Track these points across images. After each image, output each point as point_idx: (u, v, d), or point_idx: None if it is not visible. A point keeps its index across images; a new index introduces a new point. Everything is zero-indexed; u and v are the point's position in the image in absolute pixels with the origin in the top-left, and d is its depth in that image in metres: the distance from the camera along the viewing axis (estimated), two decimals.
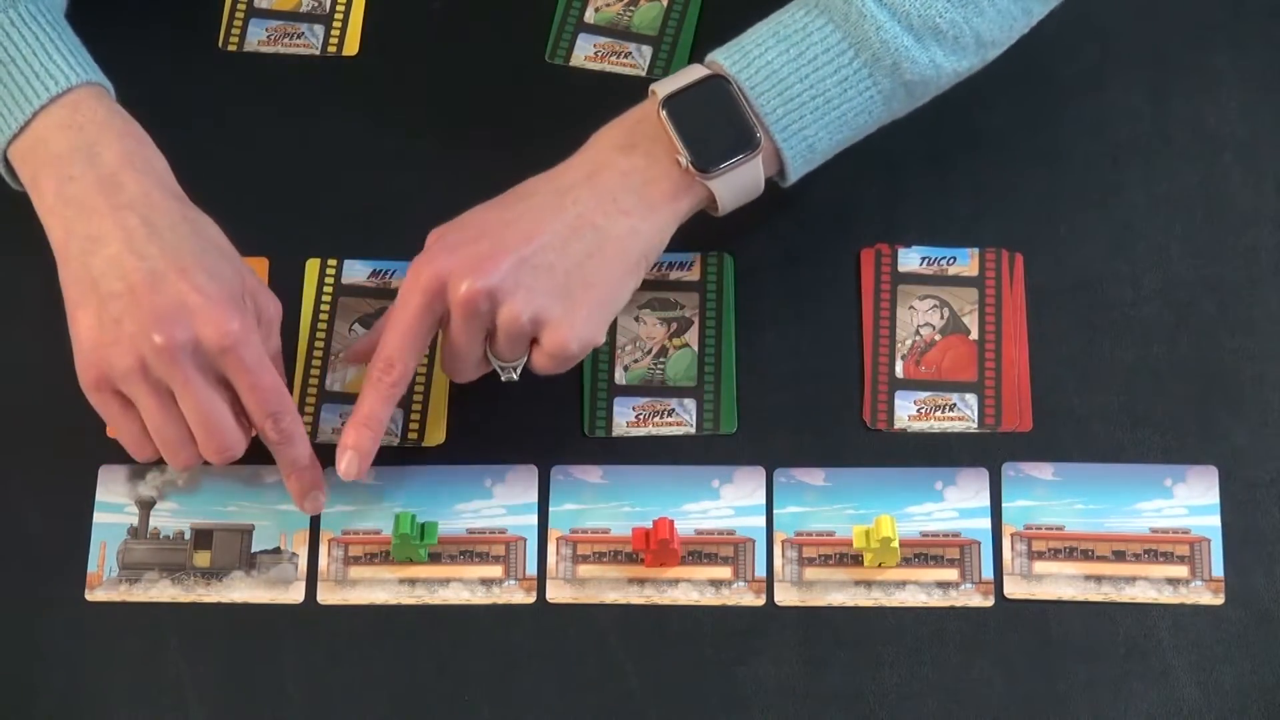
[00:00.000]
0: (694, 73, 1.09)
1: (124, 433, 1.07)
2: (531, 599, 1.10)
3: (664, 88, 1.08)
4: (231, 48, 1.24)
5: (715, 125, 1.07)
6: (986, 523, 1.10)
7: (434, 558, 1.11)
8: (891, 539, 1.08)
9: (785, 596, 1.10)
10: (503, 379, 1.08)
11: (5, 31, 1.08)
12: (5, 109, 1.07)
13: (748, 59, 1.08)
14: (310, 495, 1.09)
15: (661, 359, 1.15)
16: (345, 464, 1.07)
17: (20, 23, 1.08)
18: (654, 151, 1.07)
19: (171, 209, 1.06)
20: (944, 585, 1.09)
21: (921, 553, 1.10)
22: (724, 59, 1.08)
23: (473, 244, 1.05)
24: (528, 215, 1.06)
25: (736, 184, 1.08)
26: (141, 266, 1.03)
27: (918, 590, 1.09)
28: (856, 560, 1.10)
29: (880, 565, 1.10)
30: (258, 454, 1.08)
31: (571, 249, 1.06)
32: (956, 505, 1.10)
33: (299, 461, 1.08)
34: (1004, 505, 1.11)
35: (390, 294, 1.17)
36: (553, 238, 1.05)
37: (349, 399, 1.14)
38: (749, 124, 1.07)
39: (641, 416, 1.14)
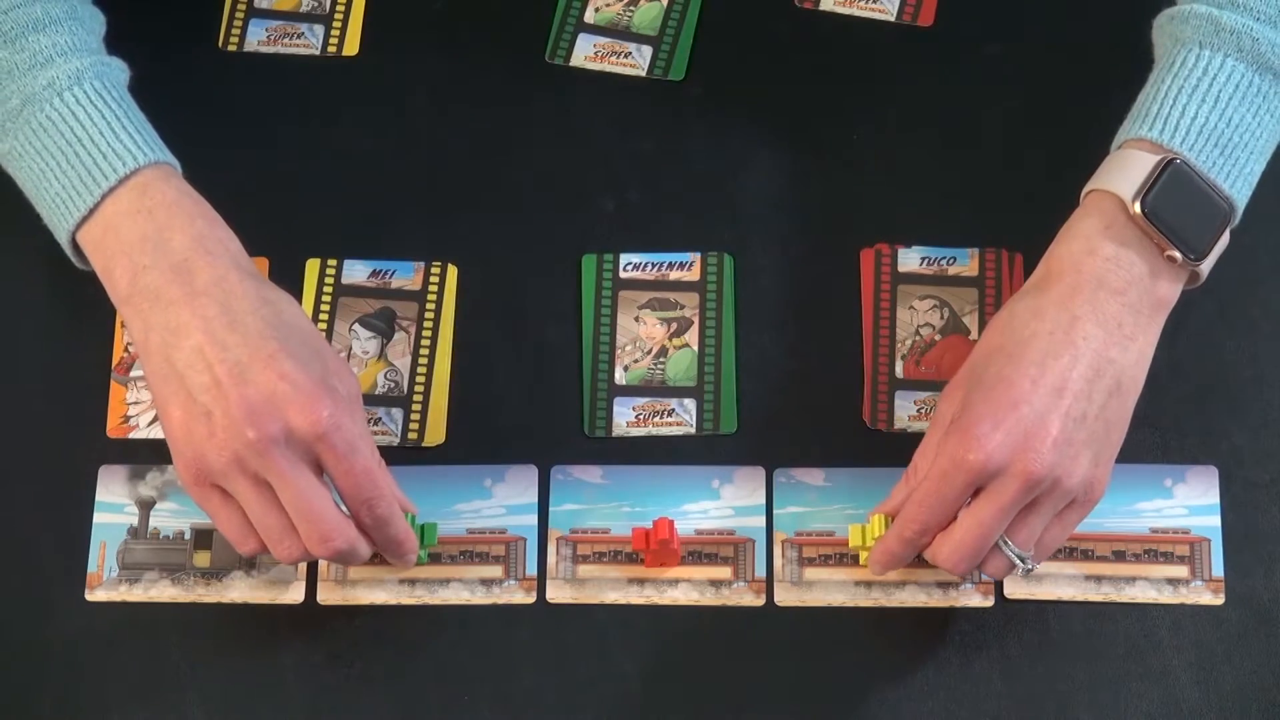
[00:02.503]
0: (1137, 161, 1.05)
1: (227, 526, 1.04)
2: (531, 599, 1.10)
3: (1121, 187, 1.04)
4: (231, 48, 1.24)
5: (1186, 207, 1.04)
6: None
7: (434, 558, 1.11)
8: None
9: (785, 596, 1.10)
10: (1020, 571, 1.04)
11: (72, 111, 1.06)
12: (74, 192, 1.05)
13: (1174, 125, 1.05)
14: (405, 558, 1.08)
15: (661, 359, 1.15)
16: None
17: (87, 102, 1.07)
18: (1140, 255, 1.04)
19: (249, 292, 1.04)
20: (944, 585, 1.09)
21: (921, 552, 1.10)
22: (1152, 134, 1.05)
23: (1011, 412, 1.01)
24: (1049, 366, 1.02)
25: (1217, 251, 1.06)
26: (226, 358, 1.02)
27: (918, 590, 1.09)
28: (856, 560, 1.10)
29: None
30: None
31: (1095, 394, 1.03)
32: None
33: (396, 538, 1.06)
34: None
35: (390, 294, 1.17)
36: (1081, 385, 1.02)
37: None
38: (1216, 192, 1.05)
39: (641, 416, 1.14)
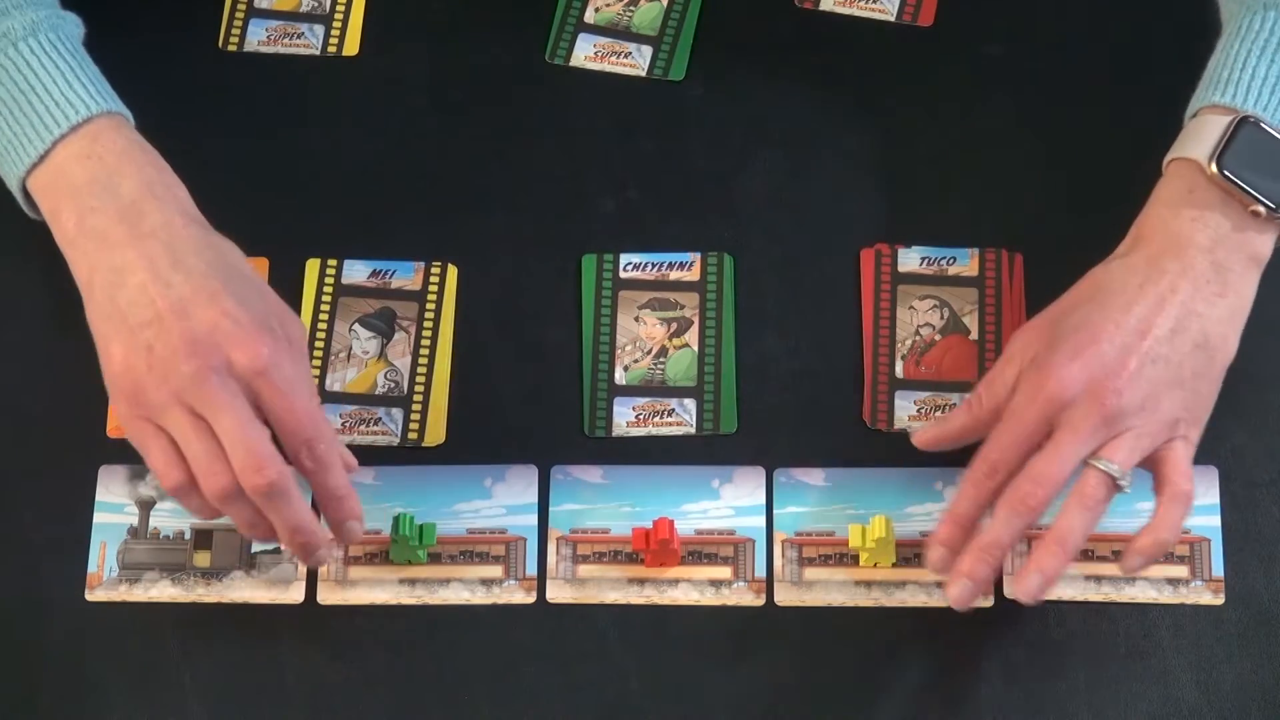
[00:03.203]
0: (1210, 125, 1.06)
1: (156, 457, 1.04)
2: (531, 599, 1.10)
3: (1196, 151, 1.06)
4: (231, 48, 1.24)
5: (1264, 162, 1.05)
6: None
7: (434, 558, 1.11)
8: (887, 539, 1.08)
9: (785, 596, 1.10)
10: (1124, 486, 1.03)
11: (26, 61, 1.08)
12: (25, 139, 1.07)
13: (1245, 88, 1.06)
14: (347, 525, 1.07)
15: (661, 359, 1.15)
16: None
17: (40, 52, 1.08)
18: (1226, 215, 1.05)
19: (194, 235, 1.05)
20: (944, 585, 1.09)
21: (921, 552, 1.10)
22: (1225, 99, 1.06)
23: (1091, 347, 1.03)
24: (1134, 311, 1.04)
25: None
26: (168, 294, 1.03)
27: (918, 590, 1.09)
28: (856, 560, 1.10)
29: (875, 565, 1.10)
30: None
31: (1178, 342, 1.04)
32: None
33: (337, 490, 1.06)
34: None
35: (390, 294, 1.17)
36: (1163, 332, 1.03)
37: (349, 399, 1.14)
38: None
39: (641, 416, 1.14)
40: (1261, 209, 1.05)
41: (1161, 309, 1.04)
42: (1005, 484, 1.04)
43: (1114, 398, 1.02)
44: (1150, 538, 1.04)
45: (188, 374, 1.02)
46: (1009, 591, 1.07)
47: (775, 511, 1.11)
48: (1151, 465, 1.05)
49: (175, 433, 1.03)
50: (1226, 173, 1.05)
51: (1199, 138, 1.07)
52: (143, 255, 1.04)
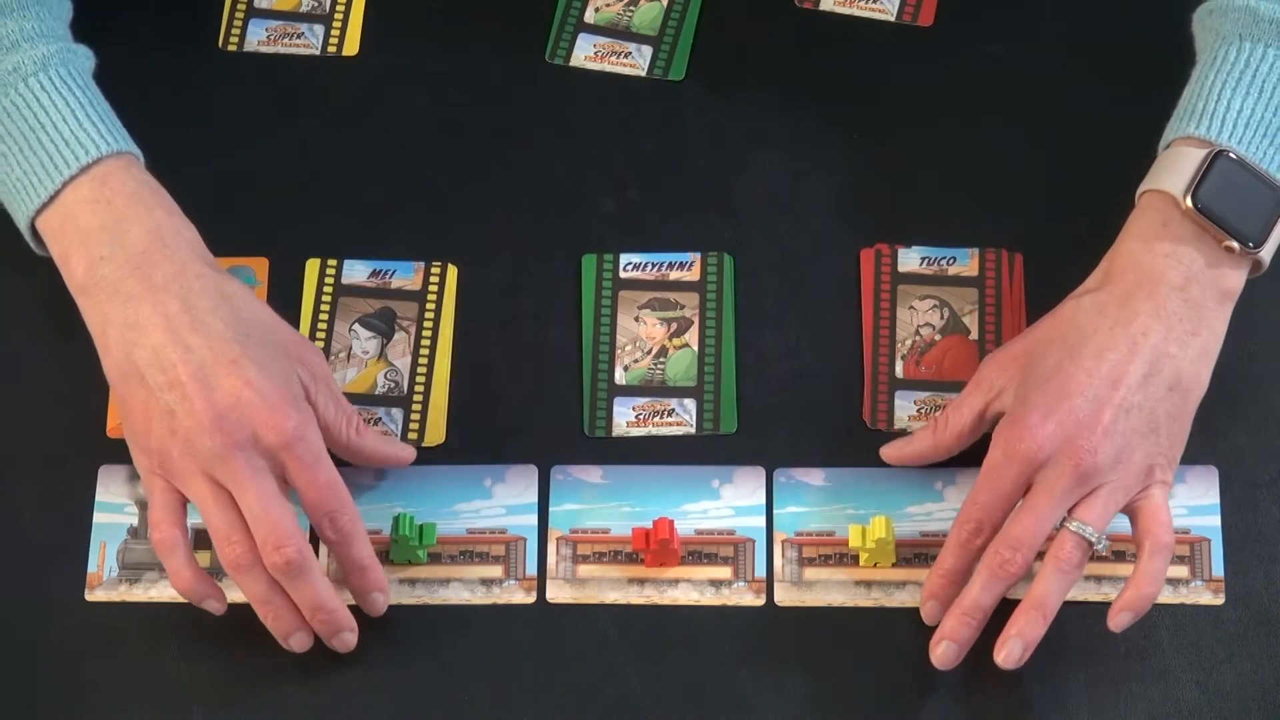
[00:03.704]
0: (1185, 157, 1.06)
1: (156, 510, 1.04)
2: (531, 599, 1.10)
3: (1171, 184, 1.06)
4: (231, 48, 1.24)
5: (1238, 197, 1.05)
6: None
7: (433, 558, 1.11)
8: (887, 539, 1.08)
9: (785, 596, 1.10)
10: (1099, 548, 1.04)
11: (36, 97, 1.07)
12: (35, 178, 1.06)
13: (1220, 120, 1.06)
14: (371, 595, 1.07)
15: (661, 359, 1.15)
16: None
17: (51, 88, 1.07)
18: (1199, 250, 1.05)
19: (208, 287, 1.04)
20: (929, 647, 1.09)
21: (921, 552, 1.10)
22: (1199, 131, 1.06)
23: (1064, 402, 1.03)
24: (1106, 358, 1.03)
25: (1276, 237, 1.07)
26: (189, 359, 1.02)
27: (918, 591, 1.09)
28: (856, 560, 1.10)
29: (876, 565, 1.10)
30: None
31: (1151, 388, 1.03)
32: (957, 505, 1.09)
33: (360, 561, 1.06)
34: None
35: (390, 294, 1.17)
36: (1136, 378, 1.03)
37: (349, 399, 1.13)
38: (1267, 181, 1.06)
39: (641, 416, 1.14)
40: (1235, 245, 1.05)
41: (1134, 354, 1.03)
42: (989, 540, 1.05)
43: (1088, 456, 1.02)
44: (1134, 592, 1.04)
45: (213, 449, 1.01)
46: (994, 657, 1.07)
47: (775, 511, 1.11)
48: (1130, 515, 1.05)
49: (196, 501, 1.04)
50: (1201, 208, 1.05)
51: (1174, 170, 1.06)
52: (158, 312, 1.03)
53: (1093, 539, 1.03)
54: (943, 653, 1.05)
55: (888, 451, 1.11)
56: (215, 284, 1.05)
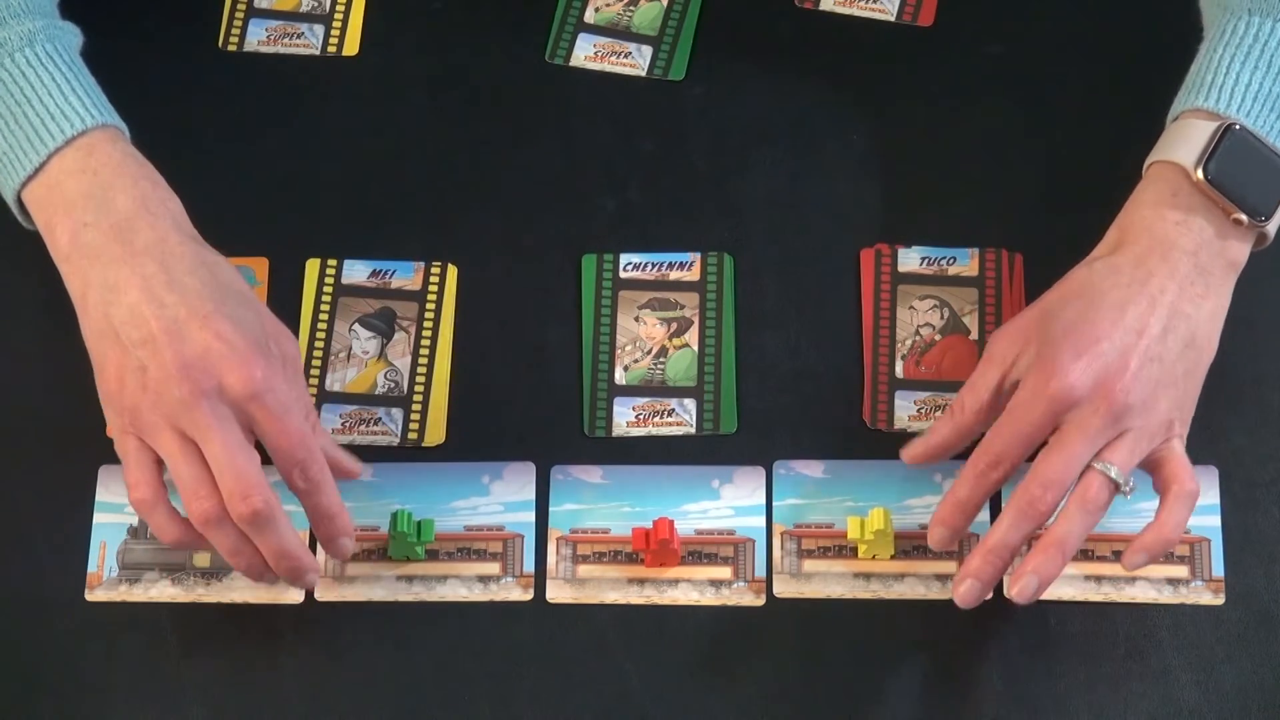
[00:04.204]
0: (1196, 129, 1.07)
1: (134, 470, 1.04)
2: (529, 596, 1.10)
3: (1182, 155, 1.06)
4: (231, 48, 1.24)
5: (1248, 171, 1.06)
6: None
7: (431, 555, 1.11)
8: (885, 531, 1.08)
9: (784, 588, 1.10)
10: (1124, 490, 1.04)
11: (22, 72, 1.08)
12: (21, 151, 1.07)
13: (1229, 93, 1.07)
14: (338, 541, 1.07)
15: (661, 359, 1.15)
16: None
17: (37, 63, 1.08)
18: (1209, 220, 1.06)
19: (188, 253, 1.05)
20: (943, 578, 1.09)
21: (920, 545, 1.10)
22: (1209, 103, 1.07)
23: (1093, 345, 1.03)
24: (1128, 310, 1.04)
25: None
26: (162, 314, 1.03)
27: (916, 583, 1.09)
28: (855, 553, 1.10)
29: (874, 557, 1.10)
30: None
31: (1170, 342, 1.04)
32: None
33: (329, 509, 1.06)
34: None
35: (390, 294, 1.17)
36: (1157, 330, 1.04)
37: (349, 399, 1.14)
38: (1274, 154, 1.06)
39: (641, 416, 1.14)
40: (1243, 218, 1.06)
41: (1153, 309, 1.04)
42: (1007, 476, 1.04)
43: (1122, 396, 1.03)
44: (1155, 535, 1.04)
45: (180, 398, 1.02)
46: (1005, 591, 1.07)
47: (774, 503, 1.11)
48: (1151, 466, 1.05)
49: (164, 455, 1.04)
50: (1212, 180, 1.05)
51: (1184, 142, 1.07)
52: (136, 273, 1.04)
53: (1119, 480, 1.03)
54: (966, 590, 1.04)
55: (908, 452, 1.10)
56: (196, 252, 1.06)
